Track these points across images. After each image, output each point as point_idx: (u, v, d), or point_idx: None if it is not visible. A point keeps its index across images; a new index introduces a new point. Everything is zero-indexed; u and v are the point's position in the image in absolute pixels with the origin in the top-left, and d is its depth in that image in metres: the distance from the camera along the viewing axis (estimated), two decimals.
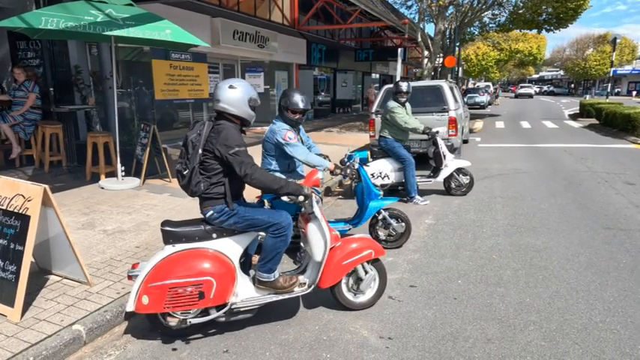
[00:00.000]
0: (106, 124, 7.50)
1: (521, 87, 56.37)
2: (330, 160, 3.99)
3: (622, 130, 12.36)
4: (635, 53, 57.83)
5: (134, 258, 3.79)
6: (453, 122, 7.88)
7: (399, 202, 5.65)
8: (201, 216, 2.82)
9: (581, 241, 4.41)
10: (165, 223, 2.73)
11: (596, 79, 60.05)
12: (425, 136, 6.05)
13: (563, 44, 65.97)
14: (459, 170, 6.32)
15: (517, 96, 51.10)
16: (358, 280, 3.08)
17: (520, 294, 3.33)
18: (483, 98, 28.45)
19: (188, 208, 5.34)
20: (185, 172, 2.67)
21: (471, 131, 13.17)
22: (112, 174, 6.52)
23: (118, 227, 4.61)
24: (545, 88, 70.13)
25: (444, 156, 6.14)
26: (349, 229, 4.18)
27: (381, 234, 4.26)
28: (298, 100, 3.81)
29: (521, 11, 20.93)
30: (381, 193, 4.23)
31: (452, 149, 7.20)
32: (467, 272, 3.74)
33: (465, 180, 6.36)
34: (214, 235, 2.73)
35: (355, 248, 2.99)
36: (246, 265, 3.02)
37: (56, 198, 3.07)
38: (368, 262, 3.08)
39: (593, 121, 16.17)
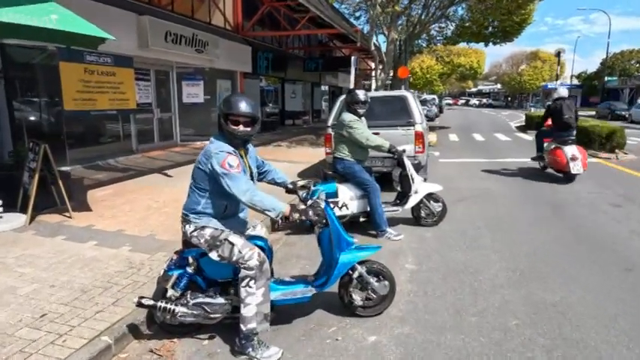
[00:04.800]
0: None
1: (445, 99, 69.90)
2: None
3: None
4: (564, 69, 61.85)
5: None
6: (420, 137, 6.93)
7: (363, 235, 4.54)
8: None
9: (606, 293, 3.45)
10: None
11: (529, 92, 63.60)
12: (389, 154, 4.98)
13: (500, 60, 69.41)
14: (429, 195, 5.29)
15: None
16: None
17: None
18: (433, 110, 28.66)
19: (85, 260, 3.85)
20: None
21: (429, 145, 12.44)
22: None
23: None
24: (484, 100, 73.40)
25: (413, 179, 5.09)
26: (312, 295, 2.94)
27: (357, 298, 3.05)
28: (242, 104, 2.59)
29: (467, 24, 21.03)
30: (355, 240, 3.04)
31: (418, 167, 6.19)
32: (481, 355, 2.62)
33: (437, 208, 5.32)
34: None
35: None
36: None
37: None
38: None
39: None
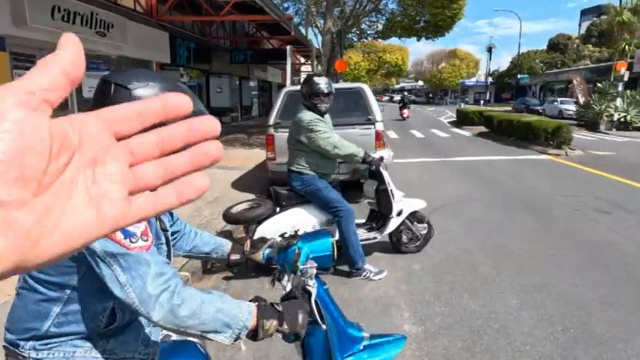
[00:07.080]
0: None
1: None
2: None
3: (520, 139, 11.91)
4: (479, 66, 65.50)
5: None
6: (381, 138, 5.81)
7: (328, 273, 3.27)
8: None
9: None
10: None
11: (449, 89, 66.76)
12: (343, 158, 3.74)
13: (422, 57, 72.05)
14: (412, 215, 4.12)
15: None
16: None
17: None
18: None
19: None
20: None
21: None
22: None
23: None
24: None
25: (393, 196, 3.89)
26: None
27: None
28: (144, 90, 1.02)
29: (399, 18, 20.63)
30: (365, 334, 1.73)
31: None
32: None
33: (422, 230, 4.15)
34: None
35: None
36: None
37: None
38: None
39: (482, 128, 16.00)
